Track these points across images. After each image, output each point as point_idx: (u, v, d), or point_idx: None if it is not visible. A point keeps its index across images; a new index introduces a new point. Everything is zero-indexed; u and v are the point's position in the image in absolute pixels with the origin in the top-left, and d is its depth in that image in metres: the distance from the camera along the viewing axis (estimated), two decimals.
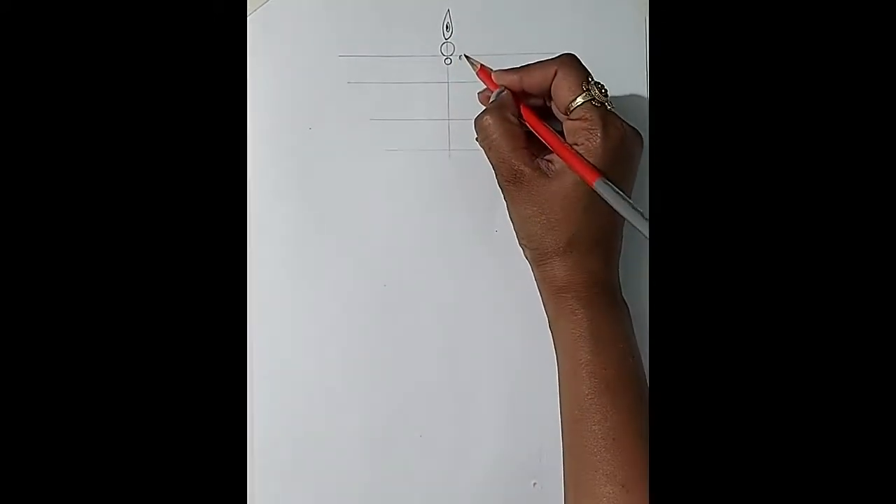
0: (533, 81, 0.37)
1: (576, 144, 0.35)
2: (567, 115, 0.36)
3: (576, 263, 0.35)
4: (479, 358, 0.41)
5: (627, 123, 0.36)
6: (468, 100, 0.41)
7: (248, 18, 0.42)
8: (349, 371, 0.41)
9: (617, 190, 0.33)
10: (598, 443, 0.33)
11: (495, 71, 0.38)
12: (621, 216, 0.34)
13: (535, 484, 0.40)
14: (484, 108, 0.38)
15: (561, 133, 0.36)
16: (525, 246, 0.37)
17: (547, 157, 0.36)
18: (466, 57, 0.40)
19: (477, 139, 0.38)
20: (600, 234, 0.36)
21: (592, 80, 0.36)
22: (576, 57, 0.36)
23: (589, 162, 0.34)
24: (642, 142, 0.37)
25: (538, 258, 0.36)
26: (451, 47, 0.42)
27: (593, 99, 0.35)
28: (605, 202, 0.34)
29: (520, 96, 0.37)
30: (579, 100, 0.35)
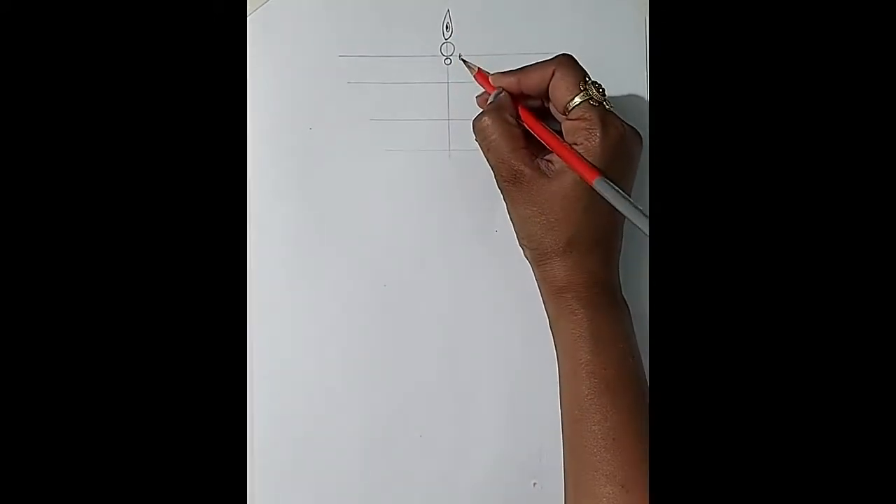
0: (531, 83, 0.37)
1: (575, 144, 0.35)
2: (565, 115, 0.36)
3: (576, 263, 0.35)
4: (479, 358, 0.41)
5: (626, 122, 0.36)
6: (468, 100, 0.41)
7: (248, 18, 0.42)
8: (349, 371, 0.41)
9: (616, 188, 0.33)
10: (598, 443, 0.33)
11: (493, 74, 0.38)
12: (621, 216, 0.34)
13: (535, 484, 0.40)
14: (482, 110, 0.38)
15: (559, 133, 0.36)
16: (525, 246, 0.37)
17: (546, 157, 0.36)
18: (463, 60, 0.40)
19: (476, 140, 0.38)
20: (600, 234, 0.36)
21: (590, 79, 0.36)
22: (573, 57, 0.36)
23: (588, 161, 0.34)
24: (641, 141, 0.37)
25: (538, 258, 0.36)
26: (451, 47, 0.42)
27: (591, 98, 0.35)
28: (605, 201, 0.34)
29: (518, 98, 0.38)
30: (577, 99, 0.35)
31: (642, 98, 0.41)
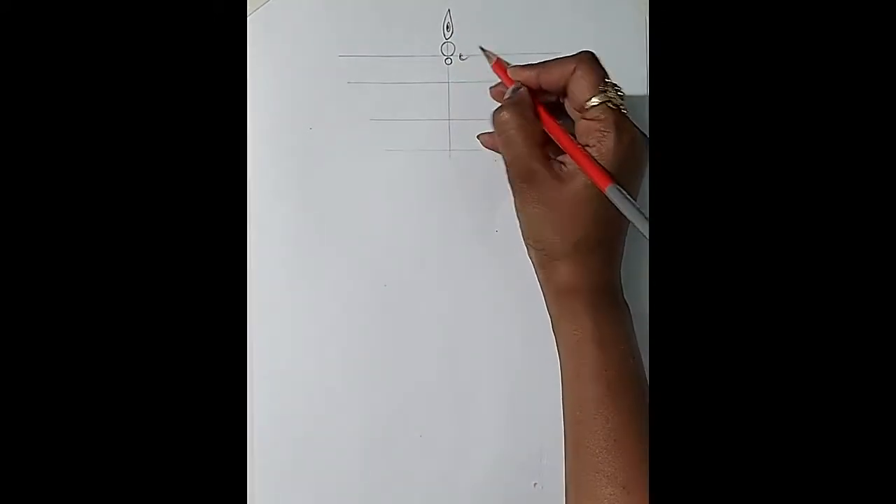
0: (550, 78, 0.36)
1: (588, 146, 0.35)
2: (581, 113, 0.36)
3: (581, 265, 0.35)
4: (480, 358, 0.41)
5: (639, 129, 0.35)
6: (468, 100, 0.41)
7: (248, 18, 0.42)
8: (349, 371, 0.41)
9: (628, 196, 0.33)
10: (600, 444, 0.33)
11: (512, 66, 0.38)
12: (626, 223, 0.34)
13: (535, 484, 0.40)
14: (497, 103, 0.38)
15: (573, 132, 0.36)
16: (531, 246, 0.37)
17: (560, 158, 0.36)
18: (482, 49, 0.39)
19: (481, 136, 0.37)
20: (606, 238, 0.35)
21: (609, 80, 0.35)
22: (595, 56, 0.36)
23: (602, 166, 0.34)
24: None
25: (544, 259, 0.36)
26: (451, 47, 0.42)
27: (609, 100, 0.34)
28: (616, 208, 0.33)
29: (535, 93, 0.37)
30: (595, 100, 0.35)
31: (642, 98, 0.41)
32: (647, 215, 0.33)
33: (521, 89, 0.37)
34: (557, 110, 0.38)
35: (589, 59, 0.35)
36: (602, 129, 0.34)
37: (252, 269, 0.41)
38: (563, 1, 0.42)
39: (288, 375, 0.41)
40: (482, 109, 0.40)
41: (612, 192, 0.33)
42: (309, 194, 0.42)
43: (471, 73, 0.41)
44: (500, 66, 0.39)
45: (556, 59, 0.36)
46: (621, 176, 0.34)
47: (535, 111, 0.37)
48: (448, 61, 0.42)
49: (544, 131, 0.37)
